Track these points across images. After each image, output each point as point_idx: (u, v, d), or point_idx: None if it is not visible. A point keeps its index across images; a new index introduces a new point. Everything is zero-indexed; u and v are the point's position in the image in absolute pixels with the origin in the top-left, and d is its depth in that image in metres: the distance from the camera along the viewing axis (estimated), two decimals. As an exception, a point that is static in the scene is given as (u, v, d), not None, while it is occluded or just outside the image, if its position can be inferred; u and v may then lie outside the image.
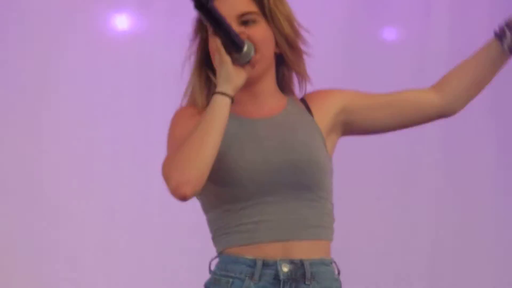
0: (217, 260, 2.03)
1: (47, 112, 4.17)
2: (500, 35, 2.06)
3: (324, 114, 2.11)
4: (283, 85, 2.14)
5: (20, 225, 4.11)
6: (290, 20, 2.07)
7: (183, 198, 1.90)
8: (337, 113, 2.11)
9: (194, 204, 2.13)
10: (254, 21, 2.03)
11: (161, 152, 2.09)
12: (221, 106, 1.94)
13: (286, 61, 2.10)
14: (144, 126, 4.26)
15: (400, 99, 2.14)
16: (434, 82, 2.16)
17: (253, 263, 1.96)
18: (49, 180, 4.17)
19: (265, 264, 1.96)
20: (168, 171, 1.92)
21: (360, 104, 2.13)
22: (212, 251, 2.09)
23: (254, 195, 1.98)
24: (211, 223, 2.05)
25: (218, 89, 1.95)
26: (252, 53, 2.00)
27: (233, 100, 1.96)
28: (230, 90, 1.95)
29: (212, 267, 2.04)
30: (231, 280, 1.98)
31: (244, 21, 2.03)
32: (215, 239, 2.05)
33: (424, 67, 4.26)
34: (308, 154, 2.02)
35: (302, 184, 1.99)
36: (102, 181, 4.20)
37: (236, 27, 2.00)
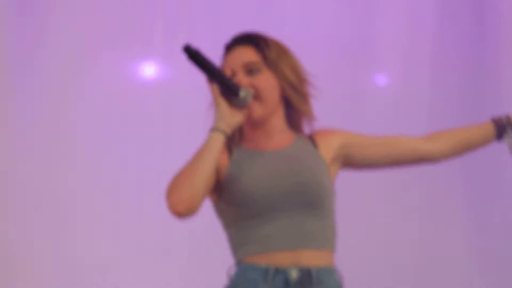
0: (233, 269, 2.25)
1: (73, 158, 4.31)
2: (500, 132, 2.40)
3: (328, 148, 2.35)
4: (292, 124, 2.37)
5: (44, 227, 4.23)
6: (294, 68, 2.31)
7: (179, 215, 2.17)
8: (339, 147, 2.35)
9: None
10: (258, 70, 2.28)
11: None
12: (212, 139, 2.21)
13: (292, 104, 2.32)
14: (169, 172, 4.37)
15: (396, 140, 2.40)
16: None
17: (266, 270, 2.19)
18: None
19: (277, 271, 2.19)
20: (167, 193, 2.19)
21: (359, 142, 2.37)
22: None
23: (266, 213, 2.22)
24: (230, 238, 2.29)
25: (213, 125, 2.22)
26: (249, 98, 2.24)
27: (227, 134, 2.22)
28: (223, 126, 2.22)
29: (229, 275, 2.27)
30: (247, 284, 2.21)
31: (249, 70, 2.28)
32: (234, 251, 2.28)
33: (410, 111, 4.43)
34: (314, 177, 2.25)
35: (309, 203, 2.23)
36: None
37: (242, 76, 2.26)
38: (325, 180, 2.28)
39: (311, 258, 2.22)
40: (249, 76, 2.28)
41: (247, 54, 2.30)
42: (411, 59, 4.52)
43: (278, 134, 2.34)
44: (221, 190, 2.28)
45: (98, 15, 4.32)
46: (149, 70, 4.38)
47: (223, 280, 2.33)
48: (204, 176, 2.18)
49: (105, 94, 4.31)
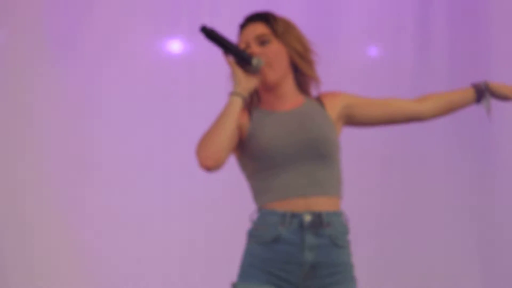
0: (255, 214, 2.55)
1: (99, 126, 4.53)
2: (479, 96, 2.73)
3: (333, 107, 2.63)
4: (301, 88, 2.65)
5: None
6: (299, 39, 2.60)
7: (207, 169, 2.48)
8: (343, 107, 2.65)
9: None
10: (268, 41, 2.58)
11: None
12: (232, 102, 2.51)
13: (300, 69, 2.62)
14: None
15: (391, 102, 2.71)
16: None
17: (283, 214, 2.49)
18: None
19: (293, 215, 2.48)
20: (196, 151, 2.49)
21: (359, 102, 2.67)
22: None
23: (281, 165, 2.51)
24: (252, 188, 2.58)
25: (232, 90, 2.53)
26: (261, 64, 2.53)
27: (245, 97, 2.51)
28: (240, 90, 2.52)
29: (251, 220, 2.57)
30: (267, 227, 2.49)
31: (261, 42, 2.58)
32: (256, 198, 2.57)
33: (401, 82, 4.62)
34: (322, 132, 2.54)
35: (318, 155, 2.52)
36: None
37: (255, 47, 2.56)
38: (332, 135, 2.55)
39: (321, 204, 2.50)
40: (261, 47, 2.57)
41: (258, 28, 2.59)
42: (399, 32, 4.69)
43: (290, 97, 2.61)
44: (243, 146, 2.56)
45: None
46: (175, 46, 4.62)
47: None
48: (227, 133, 2.47)
49: (135, 68, 4.53)
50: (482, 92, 2.75)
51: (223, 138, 2.47)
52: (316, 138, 2.53)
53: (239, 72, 2.54)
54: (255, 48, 2.57)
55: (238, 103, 2.52)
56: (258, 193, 2.57)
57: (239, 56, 2.55)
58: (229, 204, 4.40)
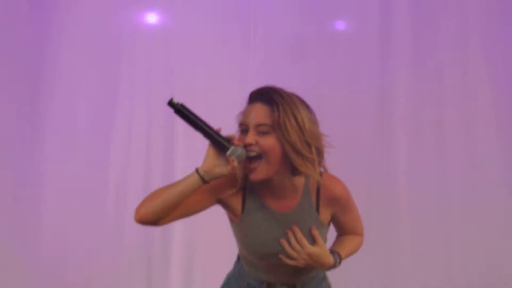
0: (241, 263, 2.77)
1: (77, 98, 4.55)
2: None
3: (327, 207, 2.59)
4: (297, 171, 2.49)
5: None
6: (300, 131, 2.42)
7: (136, 221, 2.44)
8: (334, 212, 2.63)
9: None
10: (266, 133, 2.43)
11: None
12: (188, 180, 2.41)
13: (294, 163, 2.44)
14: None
15: (346, 231, 2.74)
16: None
17: (261, 282, 2.65)
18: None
19: (269, 285, 2.65)
20: (141, 203, 2.45)
21: (339, 219, 2.67)
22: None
23: (265, 261, 2.59)
24: (239, 249, 2.70)
25: (200, 166, 2.41)
26: (237, 154, 2.39)
27: (205, 180, 2.39)
28: (202, 171, 2.40)
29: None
30: (246, 284, 2.68)
31: (260, 131, 2.44)
32: (239, 252, 2.70)
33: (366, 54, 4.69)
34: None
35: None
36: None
37: (252, 134, 2.43)
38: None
39: (297, 279, 2.67)
40: (258, 136, 2.43)
41: (261, 115, 2.43)
42: (365, 6, 4.74)
43: (283, 191, 2.52)
44: (233, 226, 2.60)
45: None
46: (152, 18, 4.67)
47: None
48: (164, 203, 2.41)
49: (117, 39, 4.58)
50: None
51: (159, 205, 2.42)
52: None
53: (210, 153, 2.43)
54: (251, 136, 2.45)
55: (192, 180, 2.42)
56: (243, 258, 2.71)
57: (216, 141, 2.41)
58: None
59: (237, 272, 2.70)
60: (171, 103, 2.32)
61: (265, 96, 2.44)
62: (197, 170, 2.41)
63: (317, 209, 2.56)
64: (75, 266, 4.52)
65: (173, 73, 4.61)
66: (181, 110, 2.33)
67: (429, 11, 4.74)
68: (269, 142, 2.42)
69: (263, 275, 2.64)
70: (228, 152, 2.37)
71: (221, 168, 2.40)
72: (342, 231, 2.70)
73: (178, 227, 4.61)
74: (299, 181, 2.55)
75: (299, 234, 2.50)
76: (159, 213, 2.41)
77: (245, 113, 2.47)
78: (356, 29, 4.74)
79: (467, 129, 4.73)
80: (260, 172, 2.43)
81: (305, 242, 2.49)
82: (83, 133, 4.58)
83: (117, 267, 4.58)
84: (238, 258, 2.79)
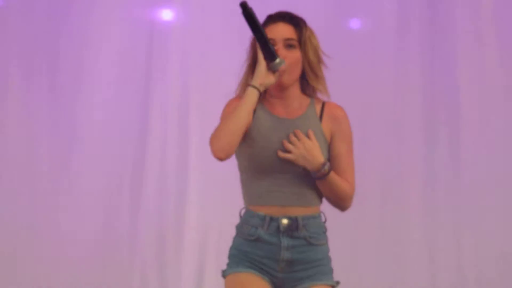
0: (243, 212, 2.80)
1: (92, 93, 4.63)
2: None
3: (329, 123, 2.78)
4: (306, 92, 2.80)
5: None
6: (316, 50, 2.76)
7: (220, 159, 2.67)
8: (332, 130, 2.79)
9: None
10: (293, 46, 2.73)
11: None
12: (249, 95, 2.65)
13: (307, 79, 2.76)
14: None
15: (339, 165, 2.80)
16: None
17: (263, 218, 2.75)
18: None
19: (271, 219, 2.74)
20: (211, 140, 2.67)
21: (334, 147, 2.79)
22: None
23: (268, 171, 2.73)
24: (242, 184, 2.81)
25: (252, 83, 2.67)
26: (282, 65, 2.67)
27: (261, 93, 2.65)
28: (259, 84, 2.66)
29: (240, 215, 2.82)
30: (250, 227, 2.76)
31: (287, 45, 2.72)
32: (243, 196, 2.81)
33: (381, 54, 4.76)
34: None
35: (302, 169, 2.72)
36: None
37: (281, 48, 2.70)
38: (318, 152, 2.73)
39: (297, 211, 2.75)
40: (286, 49, 2.71)
41: (288, 31, 2.72)
42: (380, 5, 4.80)
43: (293, 101, 2.77)
44: (242, 139, 2.73)
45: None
46: (167, 15, 4.76)
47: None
48: (239, 126, 2.65)
49: (132, 35, 4.68)
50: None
51: (236, 130, 2.66)
52: None
53: (263, 67, 2.68)
54: (281, 49, 2.71)
55: (254, 95, 2.68)
56: (245, 193, 2.82)
57: (267, 49, 2.67)
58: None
59: (240, 225, 2.81)
60: (243, 5, 2.59)
61: (287, 17, 2.75)
62: (253, 86, 2.66)
63: (320, 121, 2.78)
64: (88, 265, 4.59)
65: (188, 70, 4.67)
66: (249, 13, 2.60)
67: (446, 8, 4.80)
68: (296, 55, 2.71)
69: (265, 208, 2.75)
70: (277, 61, 2.64)
71: (270, 78, 2.67)
72: (335, 166, 2.78)
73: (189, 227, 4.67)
74: (306, 99, 2.80)
75: (299, 132, 2.72)
76: (238, 140, 2.66)
77: (270, 30, 2.72)
78: (372, 28, 4.80)
79: (481, 126, 4.77)
80: (286, 78, 2.71)
81: (302, 135, 2.72)
82: (90, 133, 4.65)
83: (129, 266, 4.64)
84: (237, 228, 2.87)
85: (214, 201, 4.68)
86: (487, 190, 4.76)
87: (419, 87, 4.80)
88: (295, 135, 2.72)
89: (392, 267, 4.75)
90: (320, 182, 2.74)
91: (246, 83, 2.74)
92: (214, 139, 2.67)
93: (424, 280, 4.74)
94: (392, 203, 4.74)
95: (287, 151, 2.71)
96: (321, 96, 2.81)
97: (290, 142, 2.72)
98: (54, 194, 4.63)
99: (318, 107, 2.80)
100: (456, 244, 4.75)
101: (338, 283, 2.80)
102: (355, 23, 4.87)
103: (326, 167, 2.71)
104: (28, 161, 4.61)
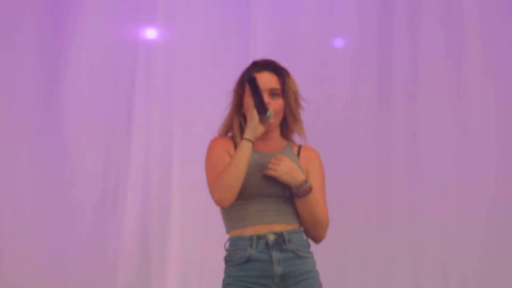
0: (228, 242, 2.95)
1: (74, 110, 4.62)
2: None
3: (305, 162, 3.02)
4: (285, 134, 3.06)
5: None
6: (296, 97, 3.02)
7: (223, 207, 2.89)
8: (307, 169, 3.01)
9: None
10: (277, 95, 2.98)
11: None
12: (247, 149, 2.87)
13: (287, 123, 3.02)
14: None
15: None
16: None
17: (251, 238, 2.90)
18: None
19: (258, 237, 2.90)
20: (214, 191, 2.87)
21: (308, 178, 2.97)
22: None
23: (251, 198, 2.91)
24: (223, 212, 2.98)
25: (246, 136, 2.89)
26: (271, 117, 2.91)
27: (253, 144, 2.87)
28: (253, 138, 2.89)
29: (225, 247, 2.96)
30: (239, 251, 2.90)
31: (272, 93, 2.97)
32: (227, 227, 2.98)
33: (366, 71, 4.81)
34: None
35: (284, 193, 2.94)
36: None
37: (266, 96, 2.93)
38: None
39: (281, 227, 2.93)
40: (270, 98, 2.96)
41: (273, 81, 2.98)
42: (363, 24, 4.86)
43: (273, 141, 3.03)
44: None
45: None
46: (151, 33, 4.79)
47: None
48: (240, 177, 2.86)
49: (116, 53, 4.69)
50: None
51: (237, 182, 2.86)
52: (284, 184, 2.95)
53: (256, 122, 2.92)
54: (266, 97, 2.94)
55: (250, 148, 2.90)
56: (227, 219, 2.99)
57: (260, 104, 2.90)
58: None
59: (228, 254, 2.93)
60: (249, 76, 2.83)
61: (271, 66, 3.00)
62: (247, 140, 2.88)
63: (298, 157, 3.03)
64: (72, 262, 4.58)
65: (172, 87, 4.70)
66: (255, 83, 2.83)
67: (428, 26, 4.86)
68: (280, 103, 2.97)
69: (250, 228, 2.91)
70: (268, 114, 2.89)
71: (261, 129, 2.92)
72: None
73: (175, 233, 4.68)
74: (284, 141, 3.05)
75: (280, 155, 2.94)
76: (238, 188, 2.84)
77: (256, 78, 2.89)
78: (356, 47, 4.84)
79: (464, 138, 4.84)
80: (273, 124, 2.97)
81: (283, 156, 2.93)
82: (79, 143, 4.66)
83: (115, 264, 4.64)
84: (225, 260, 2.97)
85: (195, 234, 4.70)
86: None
87: (401, 105, 4.85)
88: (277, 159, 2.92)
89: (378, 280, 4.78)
90: (301, 202, 2.92)
91: (231, 125, 3.00)
92: (217, 190, 2.86)
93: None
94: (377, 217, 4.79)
95: (266, 183, 2.90)
96: (297, 140, 3.06)
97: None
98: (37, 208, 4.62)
99: (295, 149, 3.06)
100: (442, 257, 4.79)
101: None
102: (338, 42, 4.92)
103: (308, 184, 2.91)
104: (13, 162, 4.61)
